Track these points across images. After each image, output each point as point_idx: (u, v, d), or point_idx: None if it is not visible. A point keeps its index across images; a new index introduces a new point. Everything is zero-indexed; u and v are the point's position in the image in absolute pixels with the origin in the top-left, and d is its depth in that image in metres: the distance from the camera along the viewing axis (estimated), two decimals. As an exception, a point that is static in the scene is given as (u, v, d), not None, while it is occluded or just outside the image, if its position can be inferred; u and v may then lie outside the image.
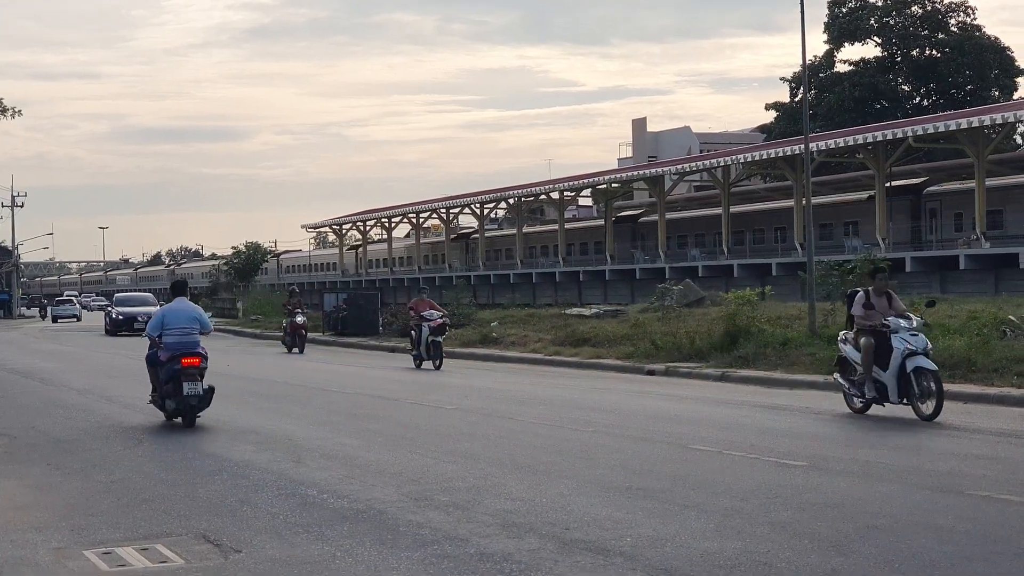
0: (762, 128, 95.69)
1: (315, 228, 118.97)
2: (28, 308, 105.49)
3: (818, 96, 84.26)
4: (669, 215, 73.80)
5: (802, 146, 33.56)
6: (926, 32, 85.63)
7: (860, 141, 56.94)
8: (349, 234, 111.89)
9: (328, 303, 47.55)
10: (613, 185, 78.62)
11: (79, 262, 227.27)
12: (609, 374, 25.33)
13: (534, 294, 76.59)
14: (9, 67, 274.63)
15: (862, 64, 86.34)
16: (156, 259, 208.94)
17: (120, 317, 53.21)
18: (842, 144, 57.79)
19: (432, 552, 8.17)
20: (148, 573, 7.96)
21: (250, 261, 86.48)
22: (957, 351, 20.26)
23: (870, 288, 16.65)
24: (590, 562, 7.82)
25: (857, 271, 25.85)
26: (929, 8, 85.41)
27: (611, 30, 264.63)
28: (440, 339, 27.76)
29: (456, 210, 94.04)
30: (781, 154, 60.78)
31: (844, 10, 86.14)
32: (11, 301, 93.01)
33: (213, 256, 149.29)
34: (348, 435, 14.85)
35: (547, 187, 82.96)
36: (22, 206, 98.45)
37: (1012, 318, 23.39)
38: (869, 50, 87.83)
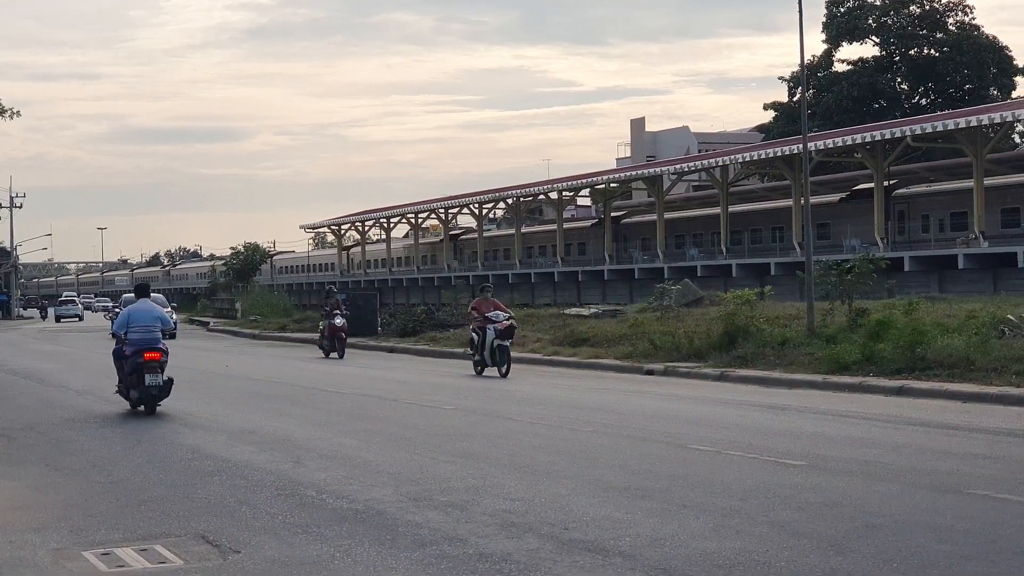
0: (760, 128, 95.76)
1: (313, 228, 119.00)
2: (25, 309, 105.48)
3: (816, 96, 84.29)
4: (667, 215, 73.78)
5: (800, 146, 33.60)
6: (924, 31, 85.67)
7: (858, 141, 56.94)
8: (348, 234, 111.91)
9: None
10: (611, 185, 78.62)
11: (77, 263, 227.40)
12: (608, 374, 25.33)
13: (533, 294, 76.59)
14: (8, 67, 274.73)
15: (860, 64, 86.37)
16: (155, 259, 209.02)
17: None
18: (840, 144, 57.79)
19: (431, 552, 8.17)
20: (147, 574, 7.96)
21: (249, 262, 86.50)
22: (956, 350, 20.28)
23: None
24: (589, 562, 7.82)
25: (856, 270, 25.89)
26: (927, 7, 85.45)
27: (609, 30, 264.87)
28: (508, 343, 25.09)
29: (455, 210, 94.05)
30: (779, 154, 60.78)
31: (842, 10, 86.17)
32: (10, 302, 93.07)
33: (212, 256, 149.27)
34: (346, 435, 14.84)
35: (546, 187, 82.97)
36: (20, 207, 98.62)
37: (1011, 317, 23.39)
38: (867, 49, 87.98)
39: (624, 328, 31.32)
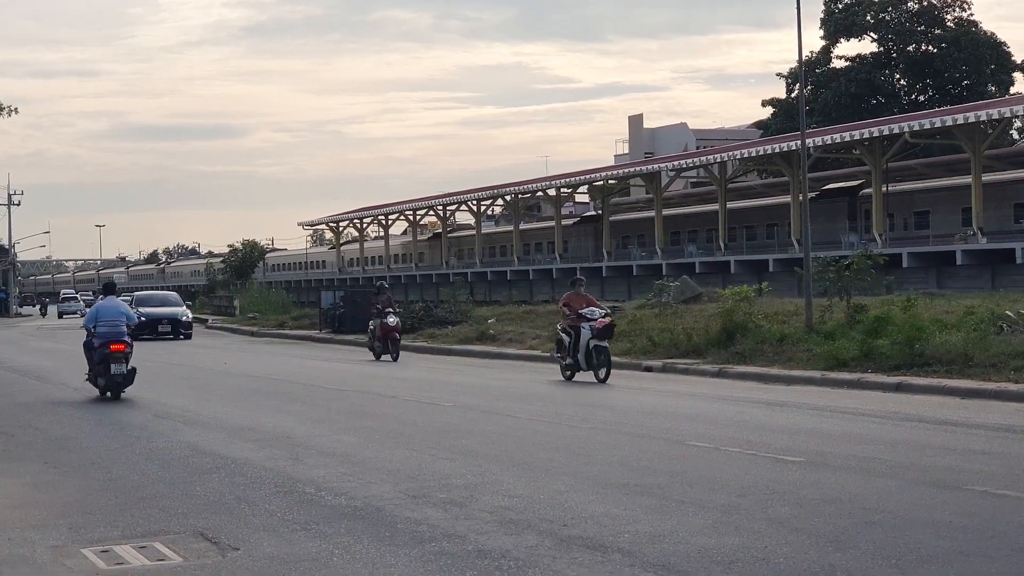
0: (759, 124, 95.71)
1: (312, 226, 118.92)
2: (22, 306, 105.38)
3: (815, 92, 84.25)
4: (665, 211, 73.78)
5: (799, 142, 33.56)
6: (922, 28, 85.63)
7: (856, 137, 56.90)
8: (346, 232, 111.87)
9: (326, 300, 47.58)
10: (610, 182, 78.59)
11: (76, 260, 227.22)
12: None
13: (531, 291, 76.58)
14: (7, 65, 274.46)
15: (858, 60, 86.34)
16: (153, 257, 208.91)
17: (142, 319, 44.16)
18: (838, 140, 57.77)
19: (430, 549, 8.17)
20: (146, 571, 7.96)
21: (247, 259, 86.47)
22: (954, 346, 20.29)
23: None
24: (588, 558, 7.82)
25: (854, 267, 25.89)
26: (925, 3, 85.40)
27: (608, 27, 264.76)
28: (606, 344, 21.68)
29: (453, 207, 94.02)
30: (778, 150, 60.74)
31: (840, 6, 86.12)
32: (8, 299, 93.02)
33: (210, 254, 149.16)
34: (345, 432, 14.84)
35: (544, 184, 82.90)
36: (19, 204, 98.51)
37: (1009, 313, 23.39)
38: (865, 46, 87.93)
39: (622, 325, 31.24)
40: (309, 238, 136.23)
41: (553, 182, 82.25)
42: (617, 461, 11.94)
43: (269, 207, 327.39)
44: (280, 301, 64.90)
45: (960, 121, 51.85)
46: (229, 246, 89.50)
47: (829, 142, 58.25)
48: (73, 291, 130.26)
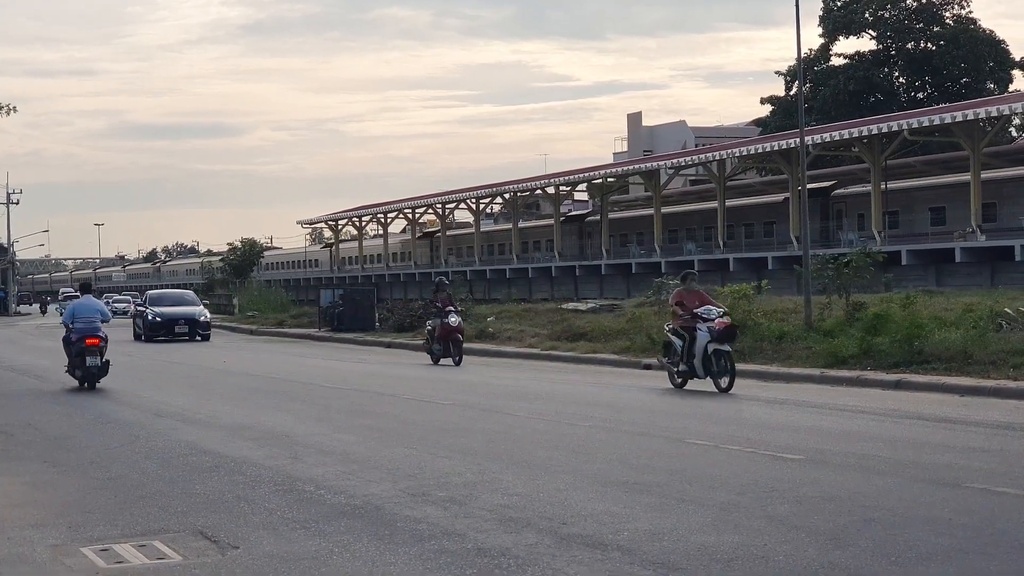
0: (757, 122, 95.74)
1: (311, 224, 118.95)
2: (18, 305, 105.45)
3: (813, 90, 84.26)
4: (664, 209, 73.80)
5: (797, 139, 33.55)
6: (921, 25, 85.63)
7: (855, 134, 56.93)
8: (344, 230, 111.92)
9: (325, 299, 47.57)
10: (608, 180, 78.58)
11: (74, 259, 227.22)
12: (605, 369, 25.34)
13: (530, 289, 76.61)
14: (5, 64, 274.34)
15: (857, 57, 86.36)
16: (152, 255, 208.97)
17: (158, 319, 43.57)
18: (837, 137, 57.80)
19: (429, 547, 8.17)
20: (145, 570, 7.95)
21: (246, 257, 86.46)
22: (953, 344, 20.30)
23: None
24: (588, 556, 7.82)
25: (853, 264, 25.90)
26: (924, 1, 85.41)
27: (606, 25, 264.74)
28: (728, 348, 19.02)
29: (452, 205, 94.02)
30: (776, 148, 60.77)
31: (839, 3, 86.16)
32: (7, 298, 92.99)
33: (208, 252, 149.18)
34: (344, 431, 14.85)
35: (542, 182, 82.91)
36: (17, 203, 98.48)
37: (1008, 311, 23.41)
38: (864, 43, 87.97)
39: (622, 323, 31.32)
40: (308, 236, 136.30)
41: (552, 180, 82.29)
42: (616, 459, 11.95)
43: (268, 206, 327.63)
44: (279, 300, 64.96)
45: (959, 118, 51.86)
46: (229, 244, 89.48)
47: (828, 140, 58.28)
48: (71, 290, 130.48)
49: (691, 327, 19.34)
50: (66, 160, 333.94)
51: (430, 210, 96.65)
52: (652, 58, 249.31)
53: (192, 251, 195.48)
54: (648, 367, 24.57)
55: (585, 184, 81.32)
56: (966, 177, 54.56)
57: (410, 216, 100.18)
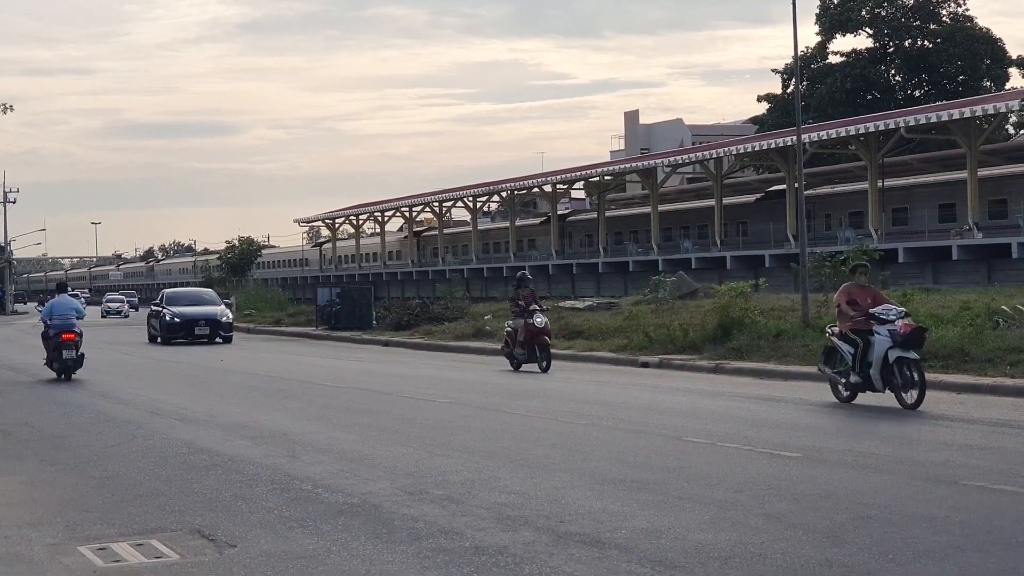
0: (754, 120, 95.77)
1: (308, 223, 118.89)
2: (15, 303, 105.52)
3: (810, 87, 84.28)
4: (661, 207, 73.84)
5: (794, 137, 33.56)
6: (918, 23, 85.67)
7: (852, 132, 56.96)
8: (341, 228, 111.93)
9: (322, 297, 47.57)
10: (606, 178, 78.56)
11: (71, 258, 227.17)
12: (603, 367, 25.34)
13: (528, 287, 76.47)
14: (3, 63, 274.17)
15: (854, 55, 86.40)
16: (148, 254, 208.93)
17: (176, 320, 40.25)
18: (834, 135, 57.82)
19: (427, 545, 8.17)
20: (143, 568, 7.95)
21: (243, 256, 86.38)
22: (950, 341, 20.32)
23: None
24: (585, 554, 7.82)
25: (849, 262, 25.91)
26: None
27: (603, 23, 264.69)
28: (916, 356, 16.00)
29: (449, 204, 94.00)
30: (773, 145, 60.78)
31: (836, 1, 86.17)
32: (4, 297, 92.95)
33: (206, 251, 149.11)
34: (342, 429, 14.85)
35: (540, 180, 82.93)
36: (14, 202, 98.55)
37: (1005, 308, 23.43)
38: (861, 41, 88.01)
39: (619, 321, 31.32)
40: (305, 235, 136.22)
41: (549, 178, 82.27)
42: (614, 457, 11.95)
43: (265, 204, 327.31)
44: (276, 298, 64.98)
45: (956, 116, 51.88)
46: (227, 242, 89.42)
47: (825, 137, 58.30)
48: (70, 288, 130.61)
49: (866, 330, 16.43)
50: (63, 159, 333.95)
51: (427, 208, 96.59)
52: (649, 56, 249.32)
53: (189, 250, 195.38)
54: (646, 365, 24.59)
55: (582, 182, 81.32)
56: (962, 175, 54.66)
57: (407, 214, 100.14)
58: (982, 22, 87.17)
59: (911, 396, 15.78)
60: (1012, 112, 52.06)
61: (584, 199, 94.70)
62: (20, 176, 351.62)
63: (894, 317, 16.30)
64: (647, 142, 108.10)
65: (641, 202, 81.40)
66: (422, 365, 27.19)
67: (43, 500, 10.49)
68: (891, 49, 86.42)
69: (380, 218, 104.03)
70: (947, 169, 60.66)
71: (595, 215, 76.12)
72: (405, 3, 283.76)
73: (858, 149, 59.53)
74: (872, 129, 56.02)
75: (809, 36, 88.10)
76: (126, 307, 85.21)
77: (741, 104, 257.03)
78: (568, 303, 42.25)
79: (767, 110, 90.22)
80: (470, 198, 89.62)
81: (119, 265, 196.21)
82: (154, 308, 42.79)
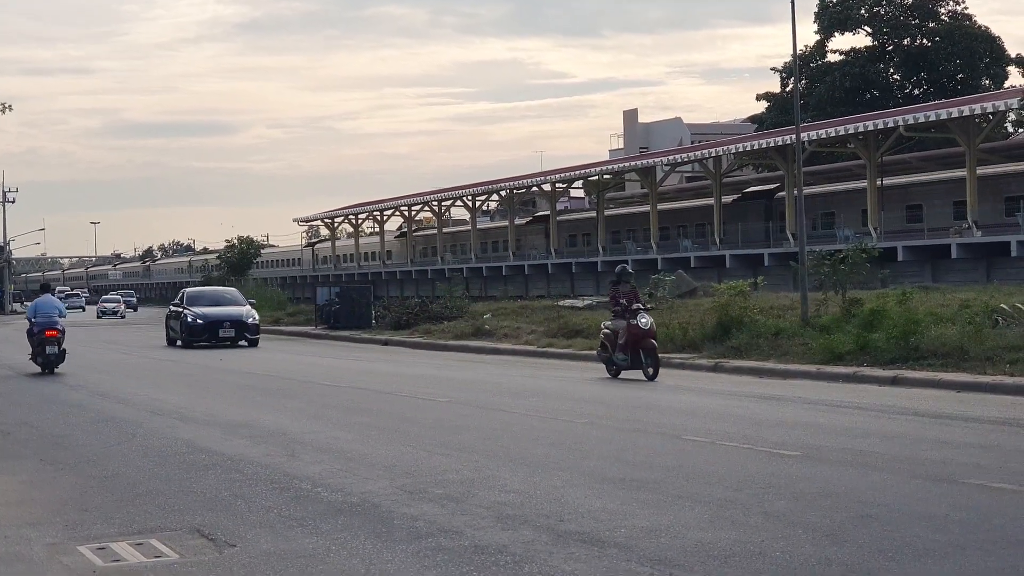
0: (753, 118, 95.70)
1: (307, 222, 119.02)
2: (13, 303, 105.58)
3: (809, 86, 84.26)
4: (660, 206, 73.84)
5: (793, 136, 33.56)
6: (916, 21, 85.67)
7: (851, 131, 56.97)
8: (340, 228, 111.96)
9: (321, 297, 47.57)
10: (605, 176, 78.55)
11: (70, 257, 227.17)
12: (602, 366, 25.28)
13: (526, 286, 76.58)
14: (2, 63, 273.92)
15: (853, 54, 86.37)
16: (147, 253, 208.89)
17: (199, 322, 37.40)
18: (833, 134, 57.83)
19: (427, 544, 8.17)
20: (142, 568, 7.95)
21: (243, 255, 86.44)
22: (949, 340, 20.31)
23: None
24: (585, 553, 7.82)
25: (849, 260, 25.93)
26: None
27: (603, 22, 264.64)
28: None
29: (448, 203, 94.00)
30: (772, 144, 60.78)
31: (834, 0, 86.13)
32: (3, 297, 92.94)
33: (204, 250, 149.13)
34: (341, 428, 14.84)
35: (539, 179, 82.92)
36: (13, 201, 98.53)
37: (1004, 306, 23.41)
38: (860, 40, 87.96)
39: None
40: (304, 234, 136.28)
41: (548, 177, 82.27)
42: (613, 456, 11.95)
43: (264, 204, 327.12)
44: (276, 298, 64.98)
45: (955, 114, 51.90)
46: (227, 242, 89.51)
47: (824, 136, 58.32)
48: (67, 288, 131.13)
49: None
50: (62, 158, 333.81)
51: (426, 207, 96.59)
52: (648, 55, 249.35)
53: (188, 249, 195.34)
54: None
55: (581, 181, 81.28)
56: (961, 173, 54.66)
57: (406, 213, 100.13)
58: (981, 20, 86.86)
59: None
60: (1011, 110, 52.04)
61: (583, 198, 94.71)
62: (19, 176, 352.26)
63: None
64: (646, 141, 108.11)
65: (640, 201, 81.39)
66: (421, 364, 27.19)
67: (42, 499, 10.48)
68: (890, 48, 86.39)
69: (379, 217, 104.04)
70: (946, 167, 60.65)
71: (593, 214, 76.28)
72: (404, 2, 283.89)
73: (857, 148, 59.54)
74: (871, 128, 56.03)
75: (808, 35, 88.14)
76: (123, 307, 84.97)
77: (740, 103, 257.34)
78: (567, 302, 42.22)
79: (766, 109, 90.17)
80: (469, 197, 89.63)
81: (115, 265, 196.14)
82: (173, 309, 39.87)
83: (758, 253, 61.76)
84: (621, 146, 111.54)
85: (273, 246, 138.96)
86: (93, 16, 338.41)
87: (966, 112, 51.56)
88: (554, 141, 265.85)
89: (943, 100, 67.66)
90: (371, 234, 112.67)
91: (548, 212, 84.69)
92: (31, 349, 26.18)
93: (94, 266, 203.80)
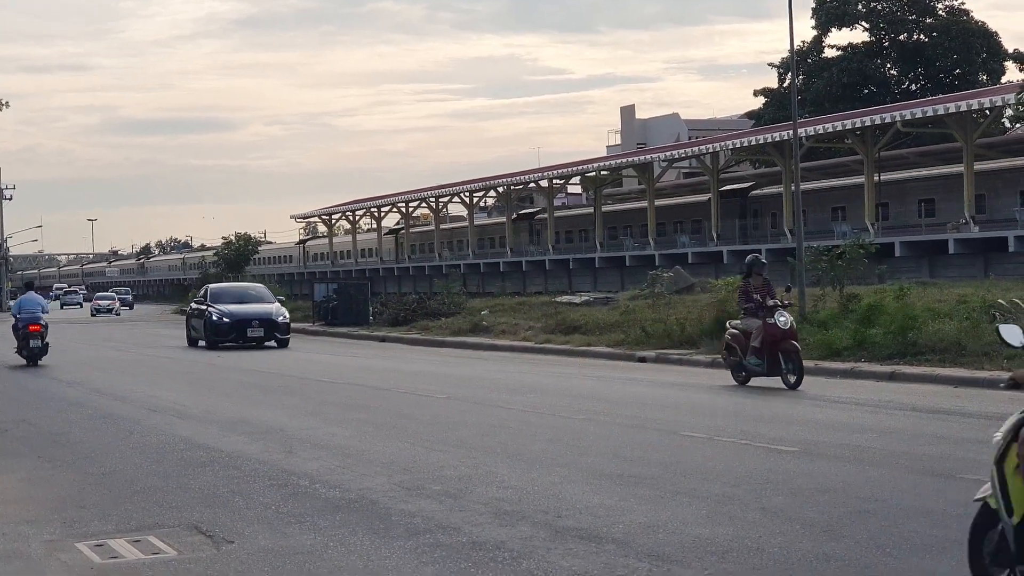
0: (751, 114, 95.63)
1: (305, 219, 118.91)
2: (10, 300, 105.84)
3: (806, 82, 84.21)
4: (657, 202, 73.85)
5: (791, 132, 33.56)
6: (914, 16, 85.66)
7: (849, 126, 56.99)
8: (338, 224, 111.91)
9: (319, 293, 47.57)
10: (602, 172, 78.56)
11: (68, 255, 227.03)
12: (600, 361, 25.33)
13: (524, 282, 76.59)
14: (0, 60, 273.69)
15: (850, 49, 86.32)
16: (145, 250, 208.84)
17: (225, 320, 34.33)
18: (831, 129, 57.87)
19: (425, 541, 8.17)
20: (140, 565, 7.94)
21: (241, 253, 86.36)
22: (947, 335, 20.32)
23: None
24: (582, 549, 7.82)
25: (846, 256, 25.93)
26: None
27: (600, 18, 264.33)
28: None
29: (445, 199, 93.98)
30: (770, 140, 60.83)
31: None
32: (0, 294, 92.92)
33: (202, 247, 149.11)
34: (339, 424, 14.84)
35: (536, 175, 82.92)
36: (11, 199, 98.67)
37: (1001, 301, 23.40)
38: (857, 35, 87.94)
39: (616, 316, 31.33)
40: (302, 231, 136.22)
41: (545, 173, 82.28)
42: (611, 452, 11.95)
43: (262, 201, 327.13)
44: (275, 294, 64.81)
45: (952, 110, 51.93)
46: (224, 238, 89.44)
47: (821, 131, 58.35)
48: (65, 285, 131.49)
49: None
50: (60, 156, 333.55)
51: (424, 204, 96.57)
52: (645, 51, 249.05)
53: (186, 246, 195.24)
54: (643, 359, 24.59)
55: (579, 177, 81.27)
56: (959, 168, 54.67)
57: (404, 209, 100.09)
58: (978, 16, 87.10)
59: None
60: (1008, 105, 52.07)
61: (580, 194, 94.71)
62: (17, 173, 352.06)
63: None
64: (643, 137, 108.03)
65: (637, 197, 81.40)
66: (419, 360, 27.19)
67: (40, 497, 10.48)
68: (887, 43, 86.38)
69: (376, 214, 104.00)
70: (943, 163, 60.65)
71: (590, 210, 76.47)
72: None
73: (854, 143, 59.55)
74: (868, 123, 56.05)
75: (805, 30, 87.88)
76: (117, 305, 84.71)
77: (737, 99, 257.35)
78: (565, 298, 42.26)
79: (763, 104, 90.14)
80: (466, 193, 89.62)
81: (111, 262, 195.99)
82: (195, 307, 36.69)
83: (756, 248, 61.72)
84: (618, 142, 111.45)
85: (271, 243, 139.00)
86: (90, 14, 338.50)
87: (963, 107, 51.60)
88: (551, 137, 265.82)
89: (940, 95, 67.69)
90: (369, 231, 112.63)
91: (533, 210, 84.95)
92: (16, 343, 27.83)
93: (90, 263, 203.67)
